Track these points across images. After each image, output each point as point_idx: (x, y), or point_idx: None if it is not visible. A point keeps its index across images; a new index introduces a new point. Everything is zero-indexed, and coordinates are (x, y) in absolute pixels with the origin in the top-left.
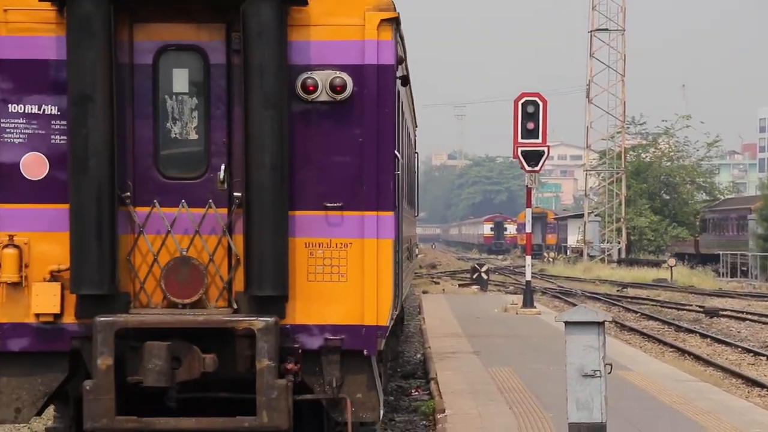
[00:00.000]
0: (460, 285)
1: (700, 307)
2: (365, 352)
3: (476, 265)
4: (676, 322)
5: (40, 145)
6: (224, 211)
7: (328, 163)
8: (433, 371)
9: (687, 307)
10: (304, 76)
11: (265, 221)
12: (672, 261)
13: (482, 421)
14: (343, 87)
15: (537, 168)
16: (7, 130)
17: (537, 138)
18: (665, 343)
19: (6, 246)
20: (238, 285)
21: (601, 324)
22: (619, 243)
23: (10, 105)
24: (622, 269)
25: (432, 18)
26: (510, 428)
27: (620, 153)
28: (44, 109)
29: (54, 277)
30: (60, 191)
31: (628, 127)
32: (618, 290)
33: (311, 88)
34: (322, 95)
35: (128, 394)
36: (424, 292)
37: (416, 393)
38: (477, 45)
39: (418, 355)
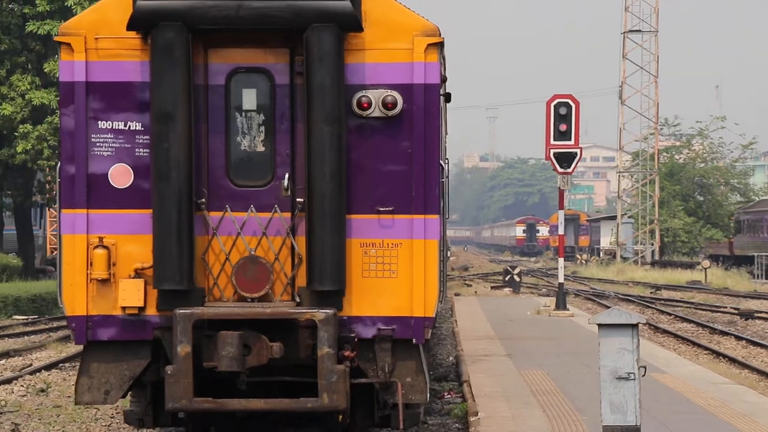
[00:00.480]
0: (492, 287)
1: (734, 309)
2: (414, 341)
3: (509, 268)
4: (711, 324)
5: (125, 158)
6: (288, 215)
7: (380, 172)
8: (465, 374)
9: (722, 309)
10: (360, 94)
11: (324, 224)
12: (706, 263)
13: (515, 424)
14: (394, 104)
15: (569, 170)
16: (97, 144)
17: (569, 140)
18: (700, 346)
19: (96, 247)
20: (301, 281)
21: (634, 326)
22: (652, 245)
23: (99, 122)
24: (655, 271)
25: (463, 20)
26: (543, 431)
27: (653, 154)
28: (129, 126)
29: (138, 274)
30: (143, 198)
31: (662, 129)
32: (651, 292)
33: (366, 105)
34: (376, 111)
35: (204, 379)
36: (457, 295)
37: (449, 396)
38: (509, 46)
39: (451, 358)
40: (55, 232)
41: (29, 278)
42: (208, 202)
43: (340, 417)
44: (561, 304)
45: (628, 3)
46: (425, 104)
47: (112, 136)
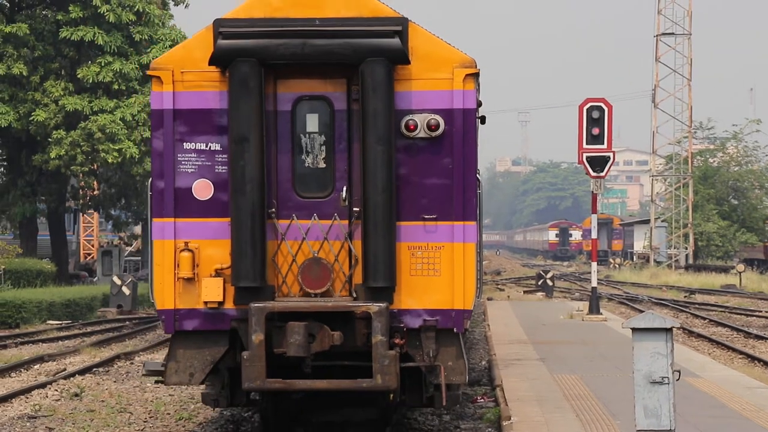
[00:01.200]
0: (525, 292)
1: None
2: (455, 330)
3: (541, 272)
4: (746, 329)
5: (207, 174)
6: (345, 222)
7: (425, 184)
8: (498, 378)
9: (756, 314)
10: (407, 118)
11: (377, 230)
12: (741, 267)
13: (548, 429)
14: (437, 126)
15: (602, 174)
16: (182, 162)
17: (602, 143)
18: (734, 350)
19: (182, 250)
20: (357, 278)
21: (668, 330)
22: (686, 249)
23: (184, 143)
24: (689, 275)
25: (497, 22)
26: None
27: (687, 158)
28: (210, 146)
29: (218, 273)
30: (222, 208)
31: (696, 132)
32: (685, 296)
33: (412, 127)
34: (421, 132)
35: (274, 363)
36: (489, 299)
37: (482, 400)
38: (541, 50)
39: (483, 362)
40: (88, 238)
41: (63, 283)
42: (278, 212)
43: (391, 396)
44: (594, 309)
45: (660, 6)
46: (463, 126)
47: (195, 156)
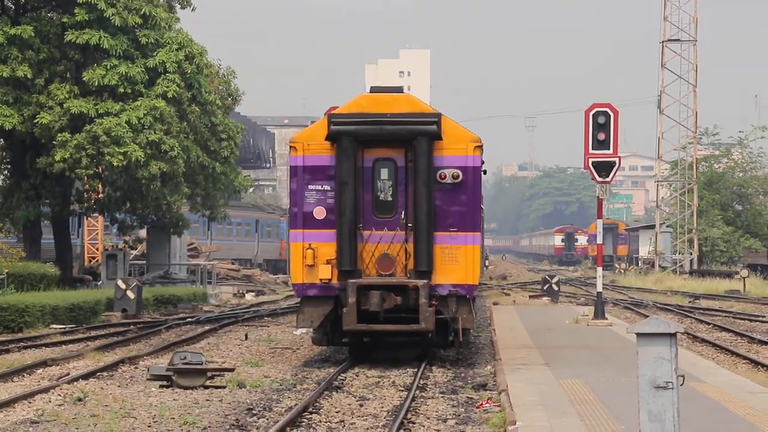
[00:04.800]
0: (530, 296)
1: None
2: (467, 296)
3: (547, 277)
4: (750, 334)
5: (322, 203)
6: (403, 232)
7: (450, 210)
8: (503, 383)
9: (760, 319)
10: (440, 171)
11: (423, 237)
12: (744, 272)
13: None
14: (458, 176)
15: (608, 179)
16: (307, 197)
17: (608, 149)
18: (738, 355)
19: (307, 249)
20: (410, 266)
21: (673, 335)
22: (690, 254)
23: (309, 185)
24: (693, 280)
25: (503, 29)
26: None
27: (692, 163)
28: (324, 187)
29: (328, 262)
30: (330, 224)
31: (701, 138)
32: (690, 301)
33: (443, 177)
34: (448, 180)
35: (361, 315)
36: (495, 304)
37: (487, 405)
38: (548, 55)
39: (489, 367)
40: (93, 241)
41: (67, 287)
42: (363, 226)
43: (429, 335)
44: (599, 314)
45: (666, 12)
46: (473, 177)
47: (315, 192)
